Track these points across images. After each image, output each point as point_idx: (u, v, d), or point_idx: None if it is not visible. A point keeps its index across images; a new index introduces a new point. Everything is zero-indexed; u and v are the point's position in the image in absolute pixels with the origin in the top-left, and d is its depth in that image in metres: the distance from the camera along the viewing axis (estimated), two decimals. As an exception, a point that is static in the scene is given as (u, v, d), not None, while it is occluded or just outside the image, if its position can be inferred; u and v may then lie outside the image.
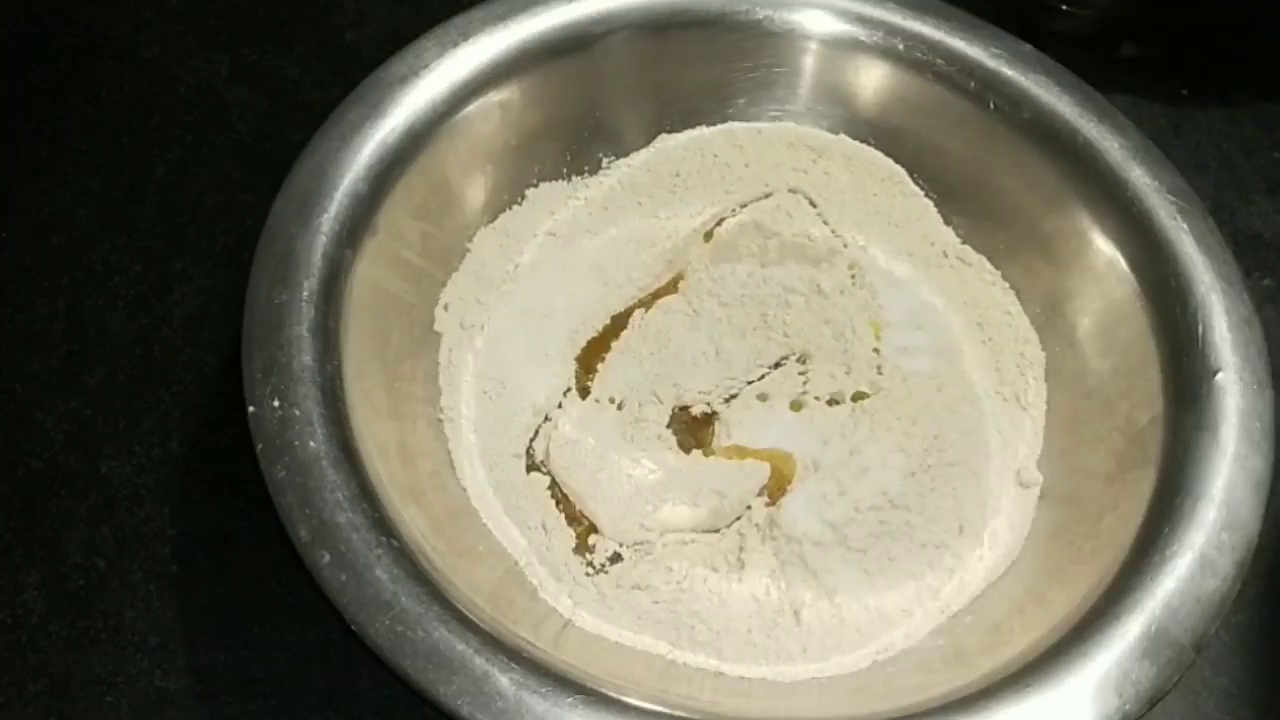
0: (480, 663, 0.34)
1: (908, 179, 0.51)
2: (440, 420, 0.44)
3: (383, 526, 0.36)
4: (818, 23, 0.50)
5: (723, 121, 0.51)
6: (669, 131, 0.51)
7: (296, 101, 0.55)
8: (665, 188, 0.51)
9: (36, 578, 0.43)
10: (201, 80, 0.56)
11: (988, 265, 0.50)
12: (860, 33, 0.50)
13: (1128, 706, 0.36)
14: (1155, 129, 0.48)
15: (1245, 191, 0.57)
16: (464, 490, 0.43)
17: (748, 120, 0.52)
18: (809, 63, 0.51)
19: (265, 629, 0.42)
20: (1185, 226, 0.45)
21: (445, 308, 0.46)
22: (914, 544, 0.43)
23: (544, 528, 0.43)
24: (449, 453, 0.43)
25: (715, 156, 0.51)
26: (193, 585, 0.43)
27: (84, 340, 0.48)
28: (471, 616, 0.35)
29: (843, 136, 0.51)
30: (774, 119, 0.52)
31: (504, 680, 0.34)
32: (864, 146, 0.51)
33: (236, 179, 0.53)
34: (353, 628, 0.35)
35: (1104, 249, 0.47)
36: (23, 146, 0.53)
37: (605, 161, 0.51)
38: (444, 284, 0.46)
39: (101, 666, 0.41)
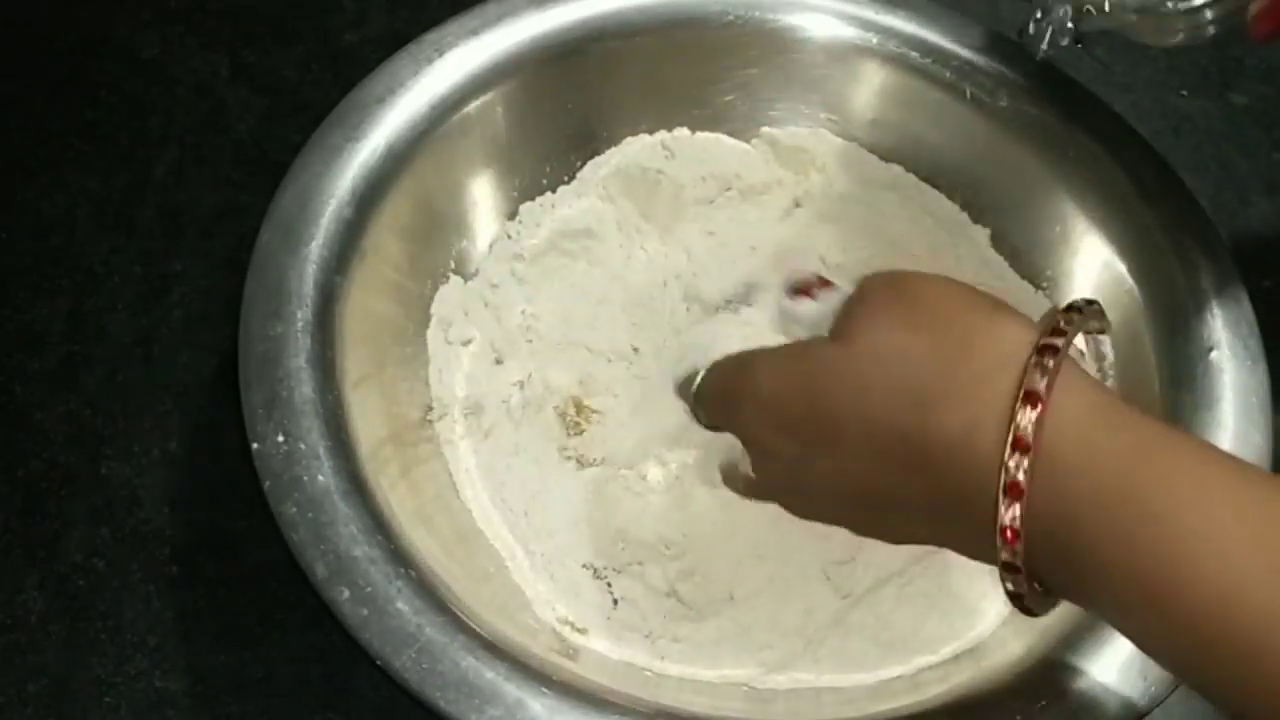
0: (512, 689, 0.34)
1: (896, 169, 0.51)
2: (438, 442, 0.43)
3: (399, 558, 0.35)
4: (794, 23, 0.50)
5: (703, 121, 0.51)
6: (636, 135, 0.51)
7: (296, 102, 0.55)
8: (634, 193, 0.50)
9: (36, 578, 0.43)
10: (201, 80, 0.56)
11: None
12: (838, 29, 0.50)
13: (1153, 689, 0.36)
14: (1155, 130, 0.49)
15: (1245, 192, 0.57)
16: (469, 512, 0.42)
17: (729, 119, 0.51)
18: (783, 64, 0.51)
19: (265, 629, 0.42)
20: (1166, 201, 0.45)
21: (432, 324, 0.45)
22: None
23: (550, 546, 0.42)
24: (450, 475, 0.43)
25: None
26: (192, 585, 0.43)
27: (84, 340, 0.48)
28: (497, 643, 0.35)
29: (822, 131, 0.51)
30: (754, 121, 0.51)
31: (537, 706, 0.34)
32: (849, 143, 0.51)
33: (236, 179, 0.53)
34: (378, 663, 0.34)
35: (1088, 230, 0.47)
36: (23, 146, 0.53)
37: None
38: (432, 302, 0.46)
39: (101, 666, 0.41)
